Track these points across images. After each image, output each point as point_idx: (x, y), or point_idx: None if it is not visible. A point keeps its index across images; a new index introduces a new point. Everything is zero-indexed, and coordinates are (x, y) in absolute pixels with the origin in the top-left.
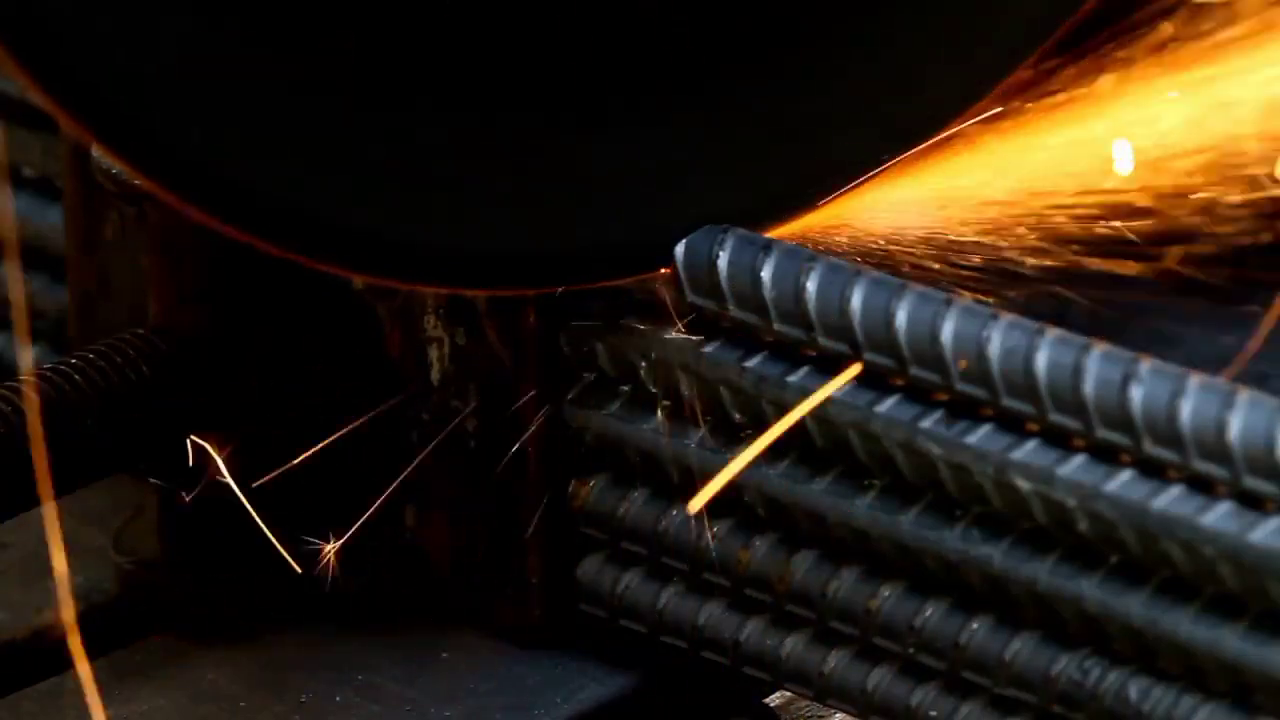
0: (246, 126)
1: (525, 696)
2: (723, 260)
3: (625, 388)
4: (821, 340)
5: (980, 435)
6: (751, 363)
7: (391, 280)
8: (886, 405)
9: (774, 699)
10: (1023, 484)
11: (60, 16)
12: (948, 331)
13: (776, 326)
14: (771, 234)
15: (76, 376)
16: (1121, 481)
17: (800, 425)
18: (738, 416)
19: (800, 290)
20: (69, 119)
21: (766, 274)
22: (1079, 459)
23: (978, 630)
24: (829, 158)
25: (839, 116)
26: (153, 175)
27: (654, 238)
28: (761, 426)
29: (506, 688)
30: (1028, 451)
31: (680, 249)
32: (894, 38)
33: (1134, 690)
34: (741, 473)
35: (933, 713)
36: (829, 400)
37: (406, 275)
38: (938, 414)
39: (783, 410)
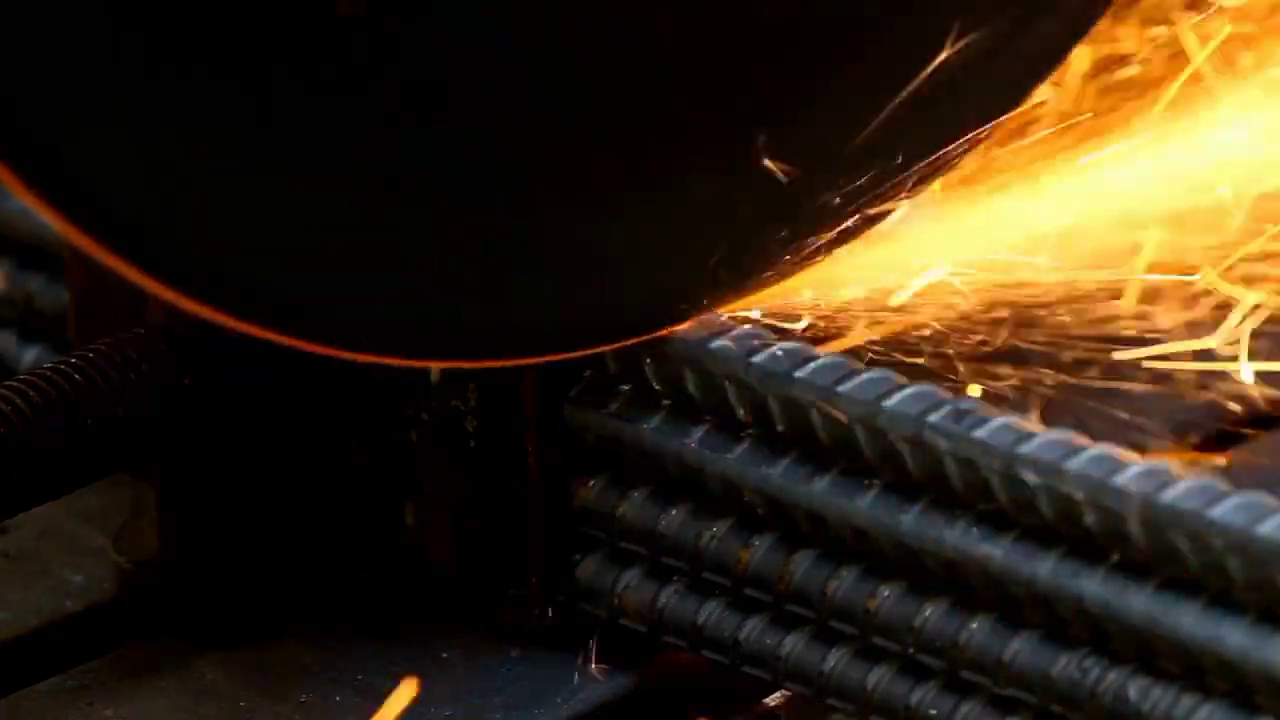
0: (230, 214)
1: (525, 696)
2: None
3: (625, 387)
4: None
5: (989, 429)
6: (759, 358)
7: (385, 358)
8: (894, 400)
9: (774, 699)
10: (1031, 478)
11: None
12: None
13: None
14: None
15: (76, 376)
16: (1130, 475)
17: (804, 422)
18: (742, 413)
19: None
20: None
21: None
22: (1087, 453)
23: (978, 630)
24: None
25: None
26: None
27: (652, 303)
28: (766, 423)
29: (506, 688)
30: (1036, 445)
31: None
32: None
33: (1134, 690)
34: (741, 472)
35: (933, 712)
36: (836, 395)
37: (400, 353)
38: (946, 408)
39: (788, 406)
